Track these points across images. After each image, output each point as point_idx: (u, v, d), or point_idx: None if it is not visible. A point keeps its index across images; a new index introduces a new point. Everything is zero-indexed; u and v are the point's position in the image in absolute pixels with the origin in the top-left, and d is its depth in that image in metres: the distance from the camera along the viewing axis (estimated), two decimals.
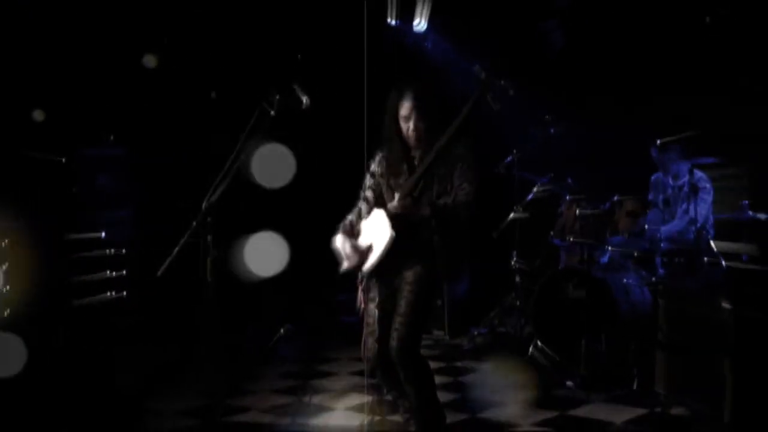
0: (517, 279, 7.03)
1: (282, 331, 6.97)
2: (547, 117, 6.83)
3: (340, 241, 4.25)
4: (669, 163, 6.32)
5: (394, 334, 4.08)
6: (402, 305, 4.10)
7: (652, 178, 6.56)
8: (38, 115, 6.51)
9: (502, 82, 3.98)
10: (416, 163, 4.21)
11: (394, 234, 4.03)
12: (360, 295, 4.26)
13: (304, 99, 4.02)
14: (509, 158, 7.00)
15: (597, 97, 7.37)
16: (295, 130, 5.30)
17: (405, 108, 4.15)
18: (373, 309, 4.21)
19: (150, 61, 7.17)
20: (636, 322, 5.78)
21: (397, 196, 4.11)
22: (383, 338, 4.14)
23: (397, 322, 4.09)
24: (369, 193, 4.36)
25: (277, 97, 3.93)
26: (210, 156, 4.67)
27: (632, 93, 7.20)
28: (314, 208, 6.84)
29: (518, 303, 6.98)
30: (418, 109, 4.12)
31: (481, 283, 7.88)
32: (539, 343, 6.21)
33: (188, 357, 6.54)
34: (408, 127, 4.16)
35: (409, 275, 4.14)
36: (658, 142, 6.11)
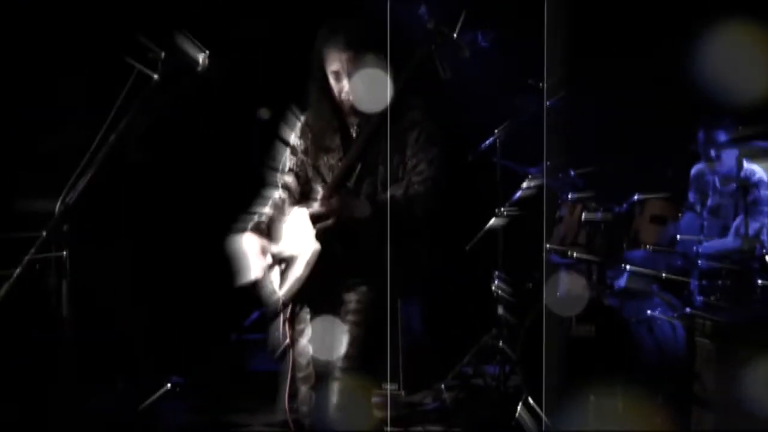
0: (500, 310, 7.06)
1: (167, 385, 6.93)
2: (541, 84, 6.87)
3: (247, 242, 4.19)
4: (716, 149, 6.39)
5: (335, 386, 4.07)
6: (344, 344, 4.10)
7: (693, 170, 6.64)
8: None
9: (455, 35, 3.95)
10: (354, 134, 4.20)
11: (319, 246, 4.00)
12: (284, 327, 4.22)
13: (201, 57, 4.00)
14: (488, 141, 7.03)
15: (612, 55, 7.42)
16: (190, 99, 5.28)
17: (335, 61, 4.09)
18: (305, 346, 4.19)
19: None
20: (664, 369, 5.86)
21: (322, 189, 4.08)
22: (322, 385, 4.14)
23: (338, 370, 4.09)
24: (290, 179, 4.32)
25: (162, 54, 3.91)
26: (69, 139, 4.63)
27: (664, 50, 7.26)
28: (217, 206, 6.80)
29: (501, 344, 7.01)
30: (353, 62, 4.08)
31: (448, 315, 7.91)
32: (530, 399, 6.25)
33: (32, 422, 6.45)
34: (341, 87, 4.12)
35: (350, 301, 4.14)
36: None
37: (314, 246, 3.99)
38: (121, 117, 3.83)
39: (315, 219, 4.00)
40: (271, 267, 4.15)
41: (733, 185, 6.40)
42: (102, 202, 6.30)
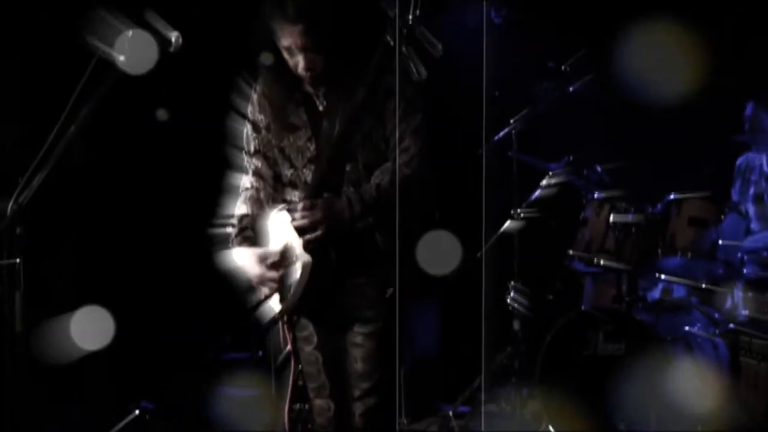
0: (516, 325, 7.05)
1: (135, 411, 6.91)
2: (563, 67, 6.85)
3: (243, 256, 4.15)
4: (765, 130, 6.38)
5: (358, 408, 4.08)
6: (358, 360, 4.08)
7: (739, 160, 6.62)
8: None
9: (422, 27, 3.86)
10: (320, 106, 4.15)
11: (310, 260, 3.98)
12: (283, 331, 4.17)
13: (173, 37, 3.98)
14: (502, 132, 7.01)
15: (647, 34, 7.40)
16: (161, 86, 5.27)
17: (287, 35, 4.00)
18: (311, 353, 4.17)
19: None
20: (704, 393, 5.83)
21: (297, 196, 4.02)
22: (339, 395, 4.12)
23: (358, 389, 4.07)
24: (260, 163, 4.28)
25: (129, 34, 3.89)
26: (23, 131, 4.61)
27: (704, 24, 7.23)
28: (187, 201, 6.80)
29: (517, 364, 7.00)
30: (308, 37, 3.98)
31: (458, 332, 7.90)
32: (551, 428, 6.24)
33: None
34: (296, 62, 4.05)
35: (357, 308, 4.11)
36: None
37: (305, 258, 3.95)
38: (82, 105, 3.81)
39: (300, 231, 3.97)
40: (276, 277, 4.09)
41: None
42: (60, 203, 6.32)
